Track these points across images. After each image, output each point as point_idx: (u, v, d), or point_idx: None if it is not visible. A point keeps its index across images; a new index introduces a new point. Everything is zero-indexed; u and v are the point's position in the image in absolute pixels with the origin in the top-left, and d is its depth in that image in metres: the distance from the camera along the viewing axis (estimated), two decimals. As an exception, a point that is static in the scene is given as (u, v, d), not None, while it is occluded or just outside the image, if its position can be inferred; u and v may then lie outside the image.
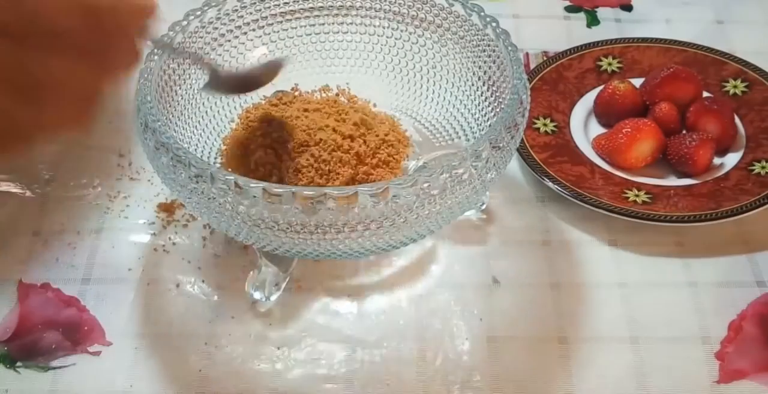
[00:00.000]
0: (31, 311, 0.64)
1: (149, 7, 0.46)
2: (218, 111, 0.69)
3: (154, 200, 0.71)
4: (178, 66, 0.64)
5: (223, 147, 0.67)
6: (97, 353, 0.62)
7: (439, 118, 0.71)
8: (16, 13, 0.35)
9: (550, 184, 0.70)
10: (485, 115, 0.66)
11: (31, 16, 0.36)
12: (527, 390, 0.60)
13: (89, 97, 0.43)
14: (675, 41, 0.82)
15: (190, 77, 0.65)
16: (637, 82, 0.77)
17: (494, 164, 0.56)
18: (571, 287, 0.66)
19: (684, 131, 0.74)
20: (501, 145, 0.55)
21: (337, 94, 0.71)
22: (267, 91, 0.70)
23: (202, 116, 0.67)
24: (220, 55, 0.68)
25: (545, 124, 0.75)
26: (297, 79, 0.72)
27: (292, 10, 0.70)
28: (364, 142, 0.64)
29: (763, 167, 0.71)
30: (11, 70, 0.37)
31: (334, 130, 0.64)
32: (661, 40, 0.82)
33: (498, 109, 0.64)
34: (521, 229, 0.70)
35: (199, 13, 0.65)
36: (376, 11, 0.70)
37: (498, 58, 0.64)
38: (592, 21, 0.89)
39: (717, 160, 0.73)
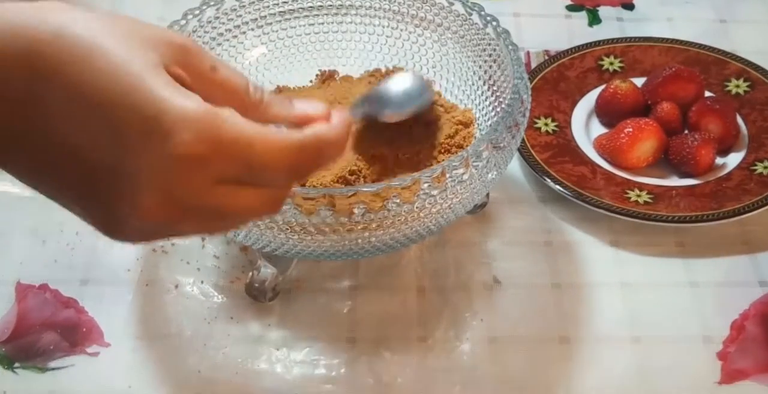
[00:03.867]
0: (30, 312, 0.64)
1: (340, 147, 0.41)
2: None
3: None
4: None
5: None
6: (95, 354, 0.62)
7: (439, 118, 0.71)
8: (243, 168, 0.36)
9: (551, 184, 0.70)
10: (486, 115, 0.66)
11: (257, 172, 0.37)
12: (528, 390, 0.60)
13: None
14: (677, 41, 0.82)
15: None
16: (639, 81, 0.77)
17: (495, 164, 0.56)
18: (573, 287, 0.65)
19: (686, 131, 0.74)
20: (502, 145, 0.55)
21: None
22: (266, 87, 0.70)
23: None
24: (219, 54, 0.67)
25: (546, 124, 0.75)
26: (296, 79, 0.72)
27: (291, 10, 0.69)
28: None
29: (765, 167, 0.71)
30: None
31: None
32: (663, 39, 0.82)
33: (499, 109, 0.63)
34: (522, 229, 0.70)
35: (197, 12, 0.65)
36: (375, 10, 0.70)
37: (499, 57, 0.64)
38: (594, 20, 0.89)
39: (719, 160, 0.72)
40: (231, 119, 0.35)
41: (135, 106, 0.34)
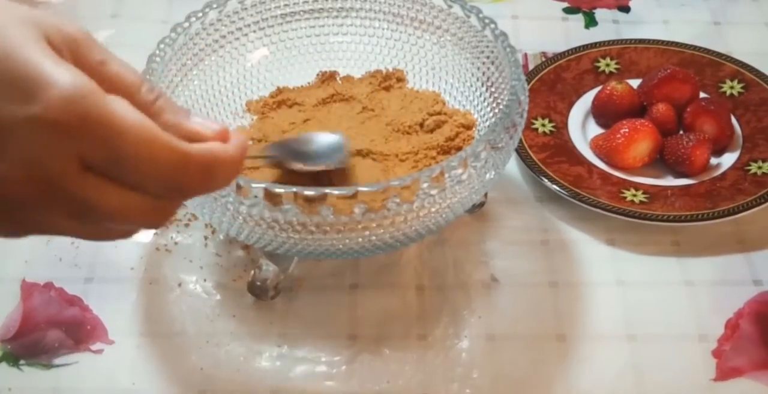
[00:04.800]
0: (35, 310, 0.64)
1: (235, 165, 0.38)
2: (220, 111, 0.69)
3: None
4: (180, 68, 0.64)
5: None
6: (99, 352, 0.62)
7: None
8: (109, 154, 0.34)
9: (548, 184, 0.70)
10: (484, 116, 0.66)
11: (125, 165, 0.34)
12: (526, 388, 0.60)
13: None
14: (672, 42, 0.82)
15: (191, 78, 0.66)
16: (635, 83, 0.77)
17: (493, 164, 0.56)
18: (570, 285, 0.66)
19: (681, 132, 0.74)
20: (500, 145, 0.56)
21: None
22: (267, 89, 0.71)
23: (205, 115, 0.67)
24: (221, 56, 0.68)
25: (543, 125, 0.76)
26: (298, 80, 0.72)
27: (292, 12, 0.70)
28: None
29: (759, 167, 0.71)
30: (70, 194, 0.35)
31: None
32: (658, 41, 0.83)
33: (497, 110, 0.64)
34: (520, 228, 0.70)
35: (200, 14, 0.65)
36: (375, 13, 0.70)
37: (497, 59, 0.64)
38: (590, 22, 0.89)
39: (714, 161, 0.73)
40: (113, 101, 0.33)
41: (6, 66, 0.33)
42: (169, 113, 0.37)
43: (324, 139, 0.62)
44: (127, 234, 0.39)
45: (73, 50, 0.36)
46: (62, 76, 0.33)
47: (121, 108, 0.34)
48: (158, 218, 0.38)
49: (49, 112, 0.32)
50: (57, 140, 0.33)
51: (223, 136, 0.38)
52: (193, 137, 0.37)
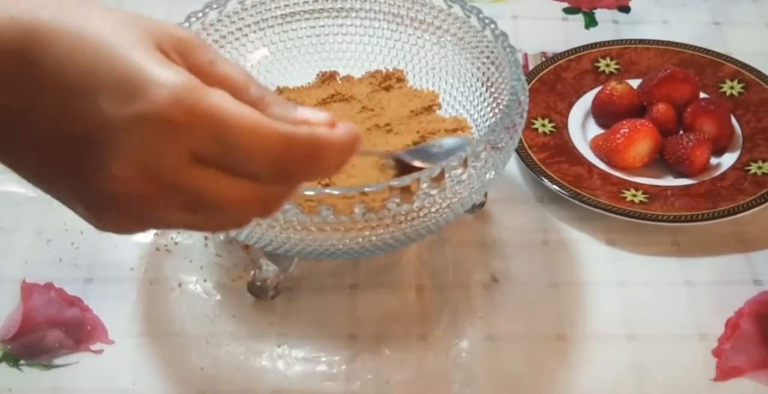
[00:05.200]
0: (35, 310, 0.65)
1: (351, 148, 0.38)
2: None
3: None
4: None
5: None
6: (99, 352, 0.62)
7: (438, 119, 0.71)
8: (217, 144, 0.34)
9: (548, 184, 0.70)
10: (484, 116, 0.66)
11: (234, 154, 0.35)
12: (526, 387, 0.60)
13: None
14: (672, 43, 0.83)
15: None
16: (635, 83, 0.77)
17: (493, 164, 0.56)
18: (570, 285, 0.66)
19: (681, 132, 0.74)
20: (500, 145, 0.56)
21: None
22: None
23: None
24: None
25: (543, 125, 0.76)
26: (298, 80, 0.72)
27: (292, 12, 0.70)
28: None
29: (759, 167, 0.71)
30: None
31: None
32: (658, 41, 0.83)
33: (497, 110, 0.64)
34: (520, 228, 0.70)
35: (200, 15, 0.65)
36: (375, 13, 0.70)
37: (497, 59, 0.64)
38: (590, 22, 0.89)
39: (714, 161, 0.73)
40: (215, 94, 0.34)
41: (112, 70, 0.33)
42: (277, 106, 0.38)
43: (449, 142, 0.62)
44: (239, 224, 0.40)
45: (182, 52, 0.37)
46: (167, 75, 0.34)
47: (223, 99, 0.34)
48: (270, 206, 0.38)
49: (155, 109, 0.33)
50: (165, 135, 0.34)
51: (330, 123, 0.38)
52: (302, 125, 0.38)
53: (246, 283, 0.65)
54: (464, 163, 0.54)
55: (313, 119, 0.38)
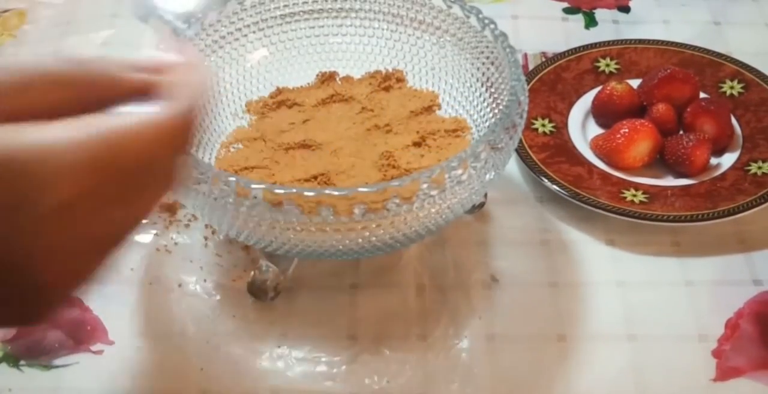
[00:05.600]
0: (35, 311, 0.64)
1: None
2: (220, 111, 0.69)
3: (156, 200, 0.71)
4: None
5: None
6: (99, 352, 0.62)
7: (438, 119, 0.71)
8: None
9: (548, 184, 0.70)
10: (484, 117, 0.66)
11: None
12: (526, 388, 0.60)
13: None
14: (672, 43, 0.83)
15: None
16: (635, 83, 0.77)
17: (493, 165, 0.56)
18: (570, 286, 0.66)
19: (681, 132, 0.74)
20: (500, 145, 0.56)
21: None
22: (267, 90, 0.71)
23: (204, 115, 0.68)
24: (221, 57, 0.68)
25: (543, 125, 0.76)
26: (297, 81, 0.72)
27: (291, 13, 0.70)
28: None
29: (759, 167, 0.71)
30: None
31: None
32: (658, 41, 0.83)
33: (497, 110, 0.64)
34: (520, 228, 0.70)
35: (200, 15, 0.65)
36: (375, 14, 0.70)
37: (496, 59, 0.64)
38: (590, 22, 0.89)
39: (714, 161, 0.73)
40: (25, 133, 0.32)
41: None
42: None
43: None
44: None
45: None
46: None
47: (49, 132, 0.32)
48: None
49: None
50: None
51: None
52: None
53: (246, 283, 0.65)
54: (464, 164, 0.54)
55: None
